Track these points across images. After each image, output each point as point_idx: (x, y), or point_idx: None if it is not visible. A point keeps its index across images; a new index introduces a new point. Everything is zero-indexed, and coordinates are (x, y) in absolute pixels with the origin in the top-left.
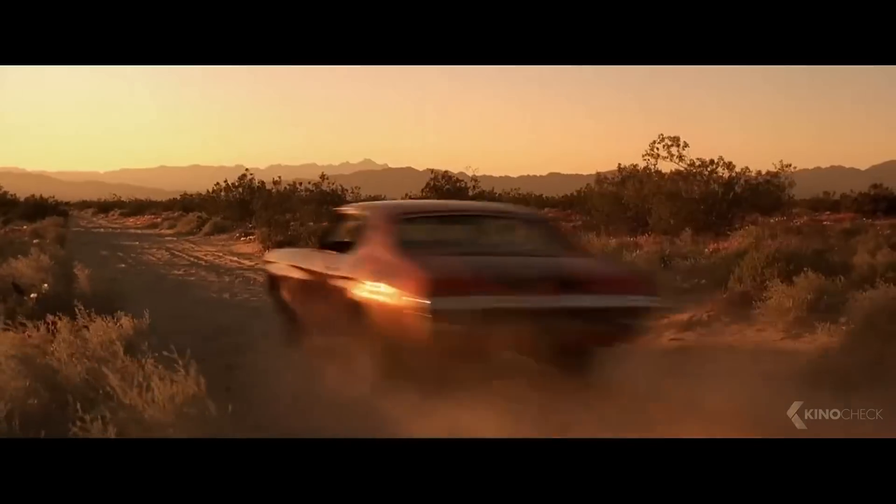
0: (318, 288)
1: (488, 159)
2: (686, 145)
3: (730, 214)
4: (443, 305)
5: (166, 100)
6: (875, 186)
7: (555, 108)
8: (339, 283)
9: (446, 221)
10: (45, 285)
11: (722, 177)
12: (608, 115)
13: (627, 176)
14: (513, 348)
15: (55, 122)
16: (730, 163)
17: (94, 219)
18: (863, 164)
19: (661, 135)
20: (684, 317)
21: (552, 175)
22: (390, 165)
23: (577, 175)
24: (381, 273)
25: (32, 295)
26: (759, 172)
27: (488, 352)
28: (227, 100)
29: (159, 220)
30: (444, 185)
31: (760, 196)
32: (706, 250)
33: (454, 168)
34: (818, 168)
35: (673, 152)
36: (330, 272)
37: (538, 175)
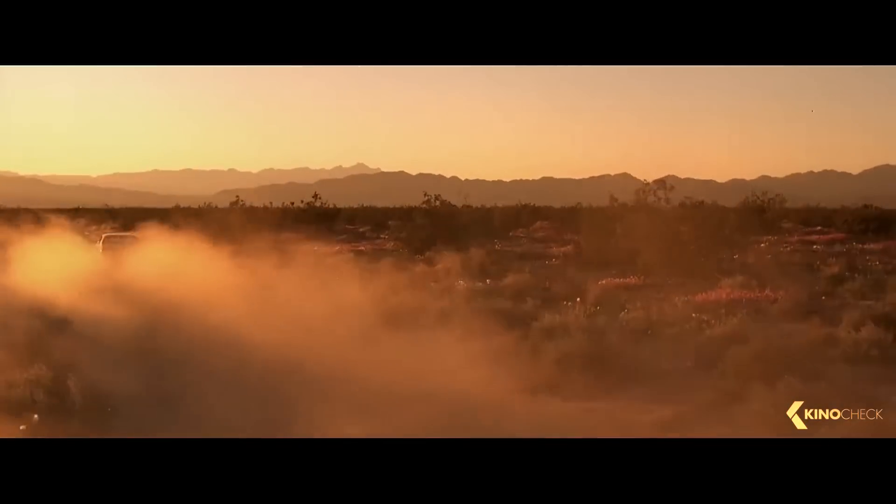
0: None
1: (481, 163)
2: (672, 188)
3: (720, 254)
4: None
5: (159, 102)
6: (866, 207)
7: (548, 112)
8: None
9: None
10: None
11: (711, 218)
12: (602, 118)
13: (619, 209)
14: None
15: (48, 125)
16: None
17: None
18: (855, 169)
19: (646, 180)
20: (668, 413)
21: (545, 179)
22: (383, 170)
23: (569, 179)
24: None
25: (22, 427)
26: (748, 200)
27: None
28: (219, 103)
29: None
30: (438, 207)
31: (751, 224)
32: (692, 310)
33: (446, 172)
34: (811, 172)
35: (660, 195)
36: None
37: (531, 179)
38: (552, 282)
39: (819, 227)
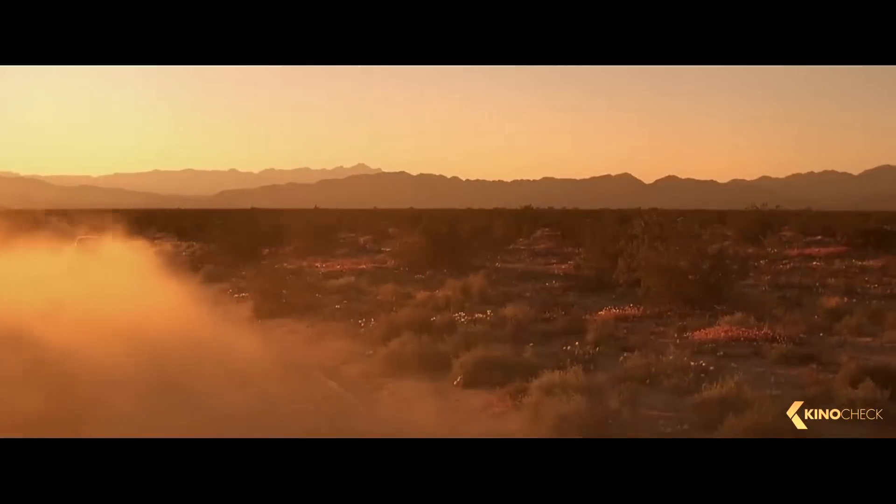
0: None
1: (482, 163)
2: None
3: (718, 286)
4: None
5: (160, 102)
6: (866, 220)
7: (550, 112)
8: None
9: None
10: None
11: (710, 251)
12: (603, 119)
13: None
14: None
15: (48, 125)
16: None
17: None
18: (856, 169)
19: (645, 219)
20: None
21: (545, 180)
22: (384, 170)
23: (570, 180)
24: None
25: None
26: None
27: None
28: (220, 103)
29: (152, 251)
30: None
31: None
32: (691, 352)
33: (447, 173)
34: (811, 173)
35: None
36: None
37: (532, 179)
38: (552, 311)
39: (819, 237)
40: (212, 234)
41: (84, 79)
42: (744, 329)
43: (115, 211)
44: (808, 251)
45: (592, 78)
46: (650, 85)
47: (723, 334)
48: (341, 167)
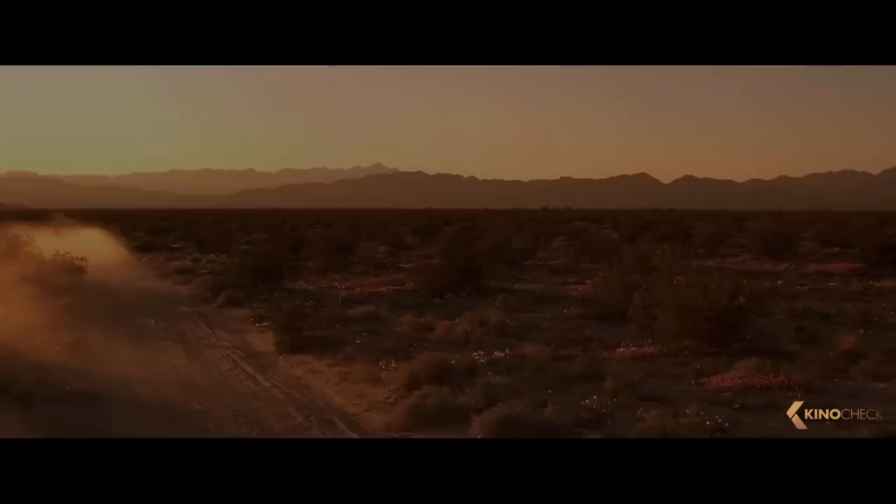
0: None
1: (500, 163)
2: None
3: (735, 323)
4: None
5: (178, 102)
6: (885, 222)
7: (566, 112)
8: None
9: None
10: None
11: (726, 289)
12: (621, 118)
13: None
14: None
15: (66, 125)
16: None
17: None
18: (875, 169)
19: (660, 251)
20: None
21: (564, 179)
22: (401, 170)
23: (588, 180)
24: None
25: None
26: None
27: None
28: (238, 103)
29: (171, 266)
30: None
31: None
32: (706, 403)
33: (464, 172)
34: (830, 172)
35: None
36: None
37: (549, 179)
38: (570, 347)
39: (837, 249)
40: (232, 247)
41: (102, 79)
42: (760, 375)
43: (134, 211)
44: (825, 267)
45: (610, 78)
46: (668, 85)
47: (739, 381)
48: (358, 167)
